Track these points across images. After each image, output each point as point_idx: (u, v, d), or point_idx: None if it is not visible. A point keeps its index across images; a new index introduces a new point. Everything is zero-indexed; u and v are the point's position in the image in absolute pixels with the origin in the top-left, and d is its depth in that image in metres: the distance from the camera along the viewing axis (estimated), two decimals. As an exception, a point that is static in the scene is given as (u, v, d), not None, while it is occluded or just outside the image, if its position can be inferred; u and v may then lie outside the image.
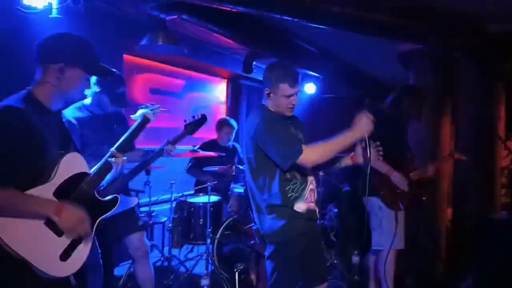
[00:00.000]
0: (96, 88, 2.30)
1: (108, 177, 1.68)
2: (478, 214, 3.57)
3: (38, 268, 1.35)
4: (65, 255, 1.44)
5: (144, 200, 3.56)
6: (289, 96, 2.00)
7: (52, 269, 1.39)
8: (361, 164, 2.15)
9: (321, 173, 3.95)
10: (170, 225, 3.63)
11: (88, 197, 1.55)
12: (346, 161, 2.24)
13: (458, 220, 3.76)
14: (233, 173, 3.53)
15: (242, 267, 3.03)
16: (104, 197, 1.65)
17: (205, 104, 5.42)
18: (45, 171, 1.46)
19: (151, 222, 3.50)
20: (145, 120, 1.84)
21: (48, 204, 1.40)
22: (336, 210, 4.42)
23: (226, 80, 5.77)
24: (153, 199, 3.65)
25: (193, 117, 1.85)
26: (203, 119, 1.84)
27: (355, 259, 3.63)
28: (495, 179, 3.84)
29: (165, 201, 3.88)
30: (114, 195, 1.67)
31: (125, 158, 1.74)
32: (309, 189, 2.09)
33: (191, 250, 4.19)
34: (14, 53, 2.46)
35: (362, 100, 5.94)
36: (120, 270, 3.37)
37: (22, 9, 2.40)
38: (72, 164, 1.54)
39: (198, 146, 3.65)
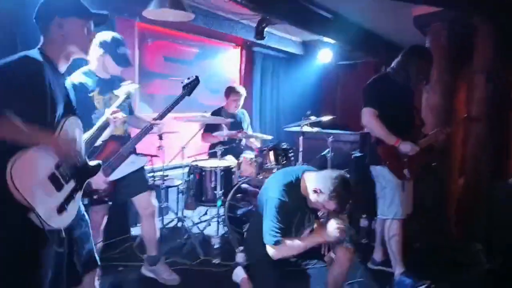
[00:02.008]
0: (100, 51, 2.40)
1: (107, 133, 1.78)
2: (491, 180, 3.54)
3: (41, 217, 1.41)
4: (61, 209, 1.52)
5: (158, 164, 3.71)
6: None
7: (51, 220, 1.46)
8: None
9: (331, 139, 3.98)
10: (183, 188, 3.78)
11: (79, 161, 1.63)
12: None
13: (469, 186, 3.73)
14: (241, 138, 3.60)
15: (250, 227, 3.14)
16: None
17: (217, 71, 5.44)
18: (50, 128, 1.50)
19: (164, 185, 3.64)
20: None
21: (43, 134, 1.45)
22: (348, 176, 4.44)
23: (239, 47, 5.74)
24: (167, 163, 3.79)
25: (188, 78, 1.95)
26: (197, 80, 1.94)
27: (364, 222, 3.71)
28: (510, 146, 3.76)
29: (179, 166, 4.02)
30: (98, 161, 1.77)
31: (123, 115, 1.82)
32: None
33: (206, 213, 4.36)
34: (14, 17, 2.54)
35: (379, 67, 5.82)
36: (138, 230, 3.55)
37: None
38: (72, 127, 1.60)
39: (207, 113, 3.73)
